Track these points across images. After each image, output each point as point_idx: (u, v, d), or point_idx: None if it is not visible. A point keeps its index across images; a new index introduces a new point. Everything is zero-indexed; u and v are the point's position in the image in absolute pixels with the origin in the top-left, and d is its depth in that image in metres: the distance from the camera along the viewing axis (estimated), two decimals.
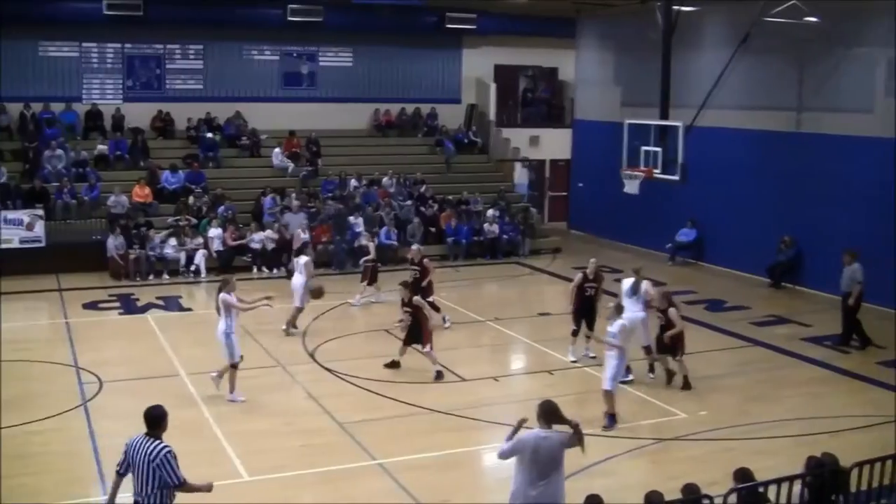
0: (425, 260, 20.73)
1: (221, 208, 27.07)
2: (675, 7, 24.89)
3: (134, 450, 8.53)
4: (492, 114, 34.88)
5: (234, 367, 15.39)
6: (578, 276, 18.36)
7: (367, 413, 14.95)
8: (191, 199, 27.41)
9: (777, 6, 23.31)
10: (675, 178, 22.66)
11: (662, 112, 24.56)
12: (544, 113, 37.08)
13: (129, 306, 22.18)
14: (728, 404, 15.53)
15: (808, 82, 25.07)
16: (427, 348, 16.85)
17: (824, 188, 24.08)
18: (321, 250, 26.14)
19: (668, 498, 8.83)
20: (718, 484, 9.82)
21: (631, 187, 23.99)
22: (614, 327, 14.58)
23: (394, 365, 17.14)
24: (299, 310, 19.90)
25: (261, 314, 17.84)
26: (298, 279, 20.02)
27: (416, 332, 16.97)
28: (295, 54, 32.72)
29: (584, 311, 18.01)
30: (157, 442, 8.50)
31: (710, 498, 9.07)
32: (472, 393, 16.13)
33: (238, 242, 26.04)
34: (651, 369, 17.05)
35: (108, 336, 19.48)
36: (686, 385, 16.28)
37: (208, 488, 8.88)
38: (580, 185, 34.55)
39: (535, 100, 37.10)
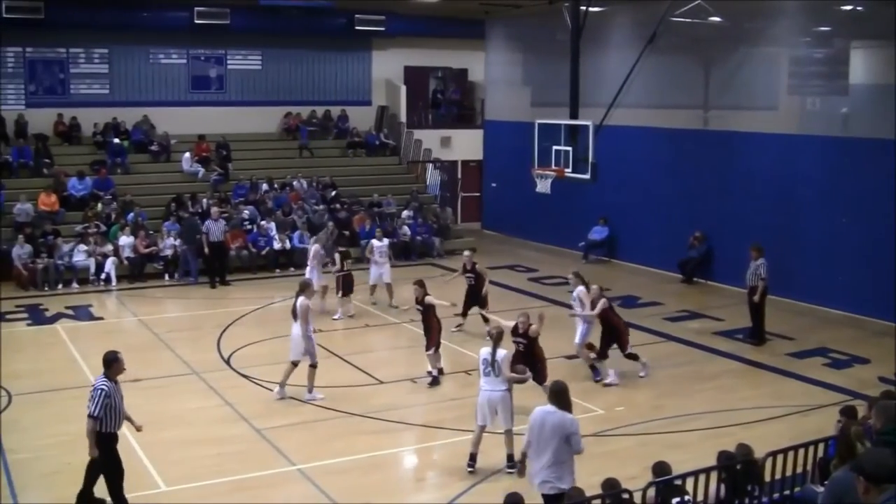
0: (478, 265, 20.44)
1: (131, 215, 26.63)
2: (583, 7, 25.13)
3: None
4: (403, 115, 34.89)
5: (313, 366, 15.54)
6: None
7: (285, 419, 14.82)
8: (99, 206, 26.90)
9: (682, 6, 23.70)
10: (586, 177, 22.86)
11: (572, 112, 24.77)
12: (455, 114, 37.19)
13: (37, 317, 21.66)
14: (643, 399, 15.72)
15: (714, 81, 25.56)
16: (431, 350, 16.72)
17: (732, 184, 24.55)
18: (233, 256, 25.92)
19: (588, 493, 8.92)
20: (637, 478, 9.96)
21: (543, 187, 24.13)
22: (575, 293, 16.84)
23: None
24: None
25: (171, 322, 17.55)
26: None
27: (425, 330, 17.10)
28: (203, 57, 32.37)
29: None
30: (103, 380, 10.67)
31: (630, 492, 9.16)
32: (390, 395, 16.09)
33: (149, 250, 25.63)
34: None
35: (17, 348, 18.93)
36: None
37: (91, 453, 10.65)
38: (494, 185, 34.70)
39: (446, 101, 37.17)
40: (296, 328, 15.50)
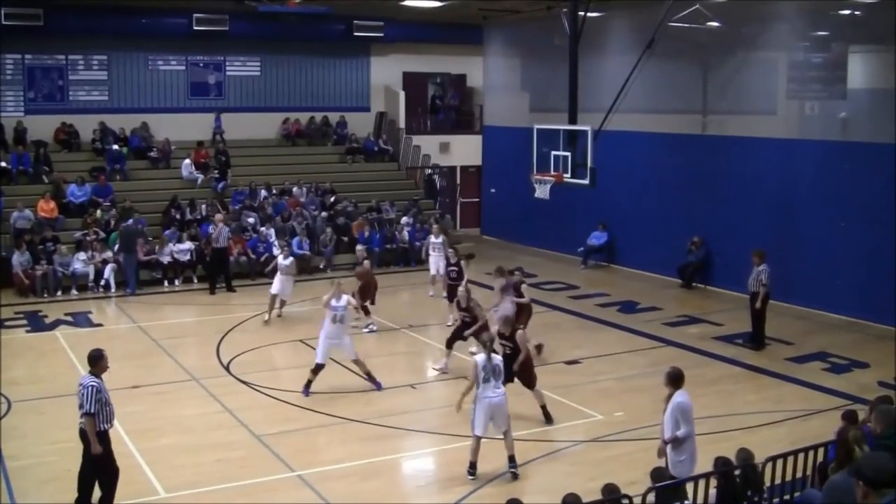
0: (462, 262, 21.37)
1: (130, 221, 26.61)
2: (581, 13, 25.13)
3: (79, 383, 10.90)
4: (401, 121, 34.89)
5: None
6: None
7: (284, 425, 14.81)
8: (98, 213, 26.89)
9: (681, 11, 23.69)
10: (585, 182, 22.82)
11: (571, 117, 24.73)
12: (454, 119, 37.18)
13: (36, 323, 21.65)
14: (643, 404, 15.65)
15: (712, 85, 25.58)
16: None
17: (731, 189, 24.56)
18: (232, 262, 25.91)
19: (588, 499, 8.91)
20: (637, 483, 9.95)
21: (541, 192, 24.09)
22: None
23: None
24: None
25: (170, 328, 17.56)
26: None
27: (458, 333, 17.42)
28: (201, 64, 32.37)
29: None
30: (91, 378, 10.78)
31: (630, 497, 9.16)
32: (389, 401, 16.07)
33: (149, 258, 25.60)
34: None
35: (16, 355, 18.90)
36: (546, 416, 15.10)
37: (95, 450, 10.73)
38: (493, 190, 34.70)
39: (445, 106, 37.15)
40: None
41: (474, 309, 17.30)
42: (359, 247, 23.68)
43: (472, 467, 12.60)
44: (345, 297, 16.48)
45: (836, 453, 9.31)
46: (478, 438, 12.54)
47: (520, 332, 15.16)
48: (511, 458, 12.62)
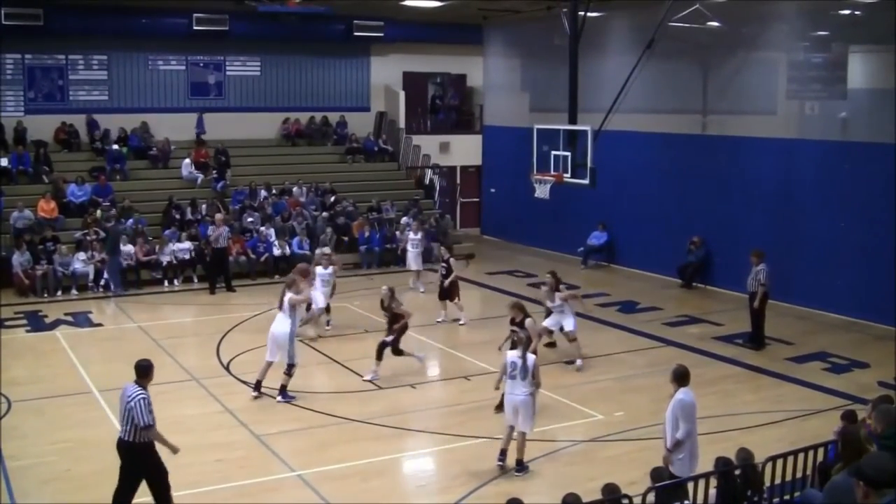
0: (451, 259, 21.82)
1: (130, 221, 26.62)
2: (581, 13, 25.11)
3: (122, 392, 10.60)
4: (401, 121, 34.89)
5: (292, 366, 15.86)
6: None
7: (284, 425, 14.81)
8: (98, 212, 26.89)
9: (681, 11, 23.69)
10: (585, 182, 22.80)
11: (571, 117, 24.70)
12: (454, 119, 37.18)
13: (36, 323, 21.65)
14: (643, 404, 15.66)
15: (712, 85, 25.57)
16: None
17: (731, 188, 24.57)
18: (231, 262, 25.90)
19: (588, 499, 8.90)
20: (637, 483, 9.94)
21: (542, 192, 24.08)
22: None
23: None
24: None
25: (170, 328, 17.52)
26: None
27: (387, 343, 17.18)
28: (202, 64, 32.38)
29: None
30: (137, 388, 10.51)
31: (630, 497, 9.16)
32: (390, 401, 16.07)
33: (148, 258, 25.58)
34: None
35: (16, 355, 18.88)
36: None
37: (174, 449, 10.75)
38: (493, 190, 34.70)
39: (445, 106, 37.15)
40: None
41: (395, 309, 17.26)
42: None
43: (502, 454, 12.87)
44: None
45: (842, 453, 9.26)
46: (508, 428, 12.82)
47: (529, 320, 15.57)
48: (518, 462, 12.74)
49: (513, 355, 12.81)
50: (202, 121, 31.52)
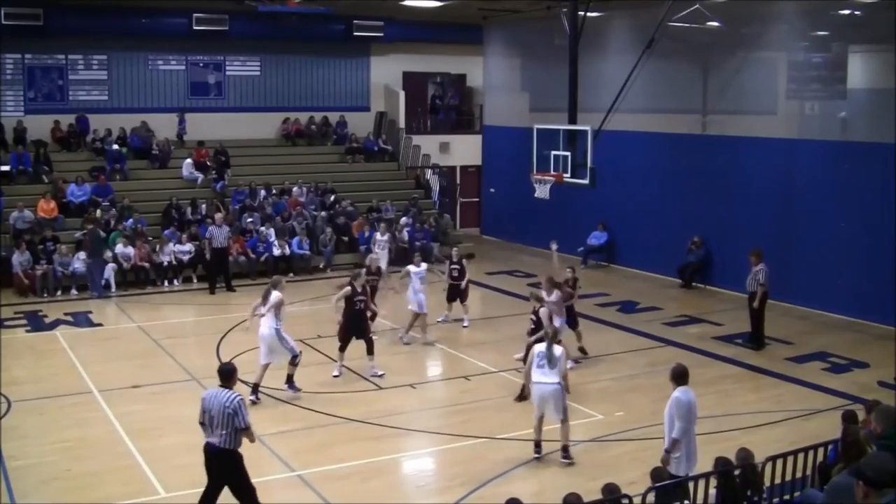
0: (464, 260, 21.77)
1: (129, 221, 26.60)
2: (581, 13, 25.11)
3: (210, 399, 10.38)
4: (401, 121, 34.89)
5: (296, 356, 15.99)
6: (347, 289, 17.20)
7: (284, 425, 14.80)
8: (98, 212, 26.87)
9: (681, 11, 23.69)
10: (585, 182, 22.81)
11: (571, 117, 24.71)
12: (454, 119, 37.20)
13: (36, 323, 21.64)
14: (643, 404, 15.65)
15: (712, 85, 25.58)
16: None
17: (731, 188, 24.56)
18: (231, 262, 25.89)
19: (588, 499, 8.91)
20: (637, 483, 9.95)
21: (541, 192, 24.08)
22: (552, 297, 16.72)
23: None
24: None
25: (170, 328, 17.52)
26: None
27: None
28: (201, 64, 32.39)
29: (354, 325, 17.31)
30: (230, 392, 10.35)
31: (630, 497, 9.16)
32: (389, 401, 16.07)
33: (143, 264, 25.49)
34: None
35: (16, 355, 18.88)
36: None
37: (251, 438, 10.68)
38: (492, 190, 34.69)
39: (445, 106, 37.16)
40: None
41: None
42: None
43: (537, 446, 13.18)
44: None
45: (844, 453, 9.26)
46: (537, 419, 13.12)
47: (544, 309, 15.84)
48: (564, 448, 13.09)
49: (540, 346, 13.13)
50: (184, 121, 31.51)
